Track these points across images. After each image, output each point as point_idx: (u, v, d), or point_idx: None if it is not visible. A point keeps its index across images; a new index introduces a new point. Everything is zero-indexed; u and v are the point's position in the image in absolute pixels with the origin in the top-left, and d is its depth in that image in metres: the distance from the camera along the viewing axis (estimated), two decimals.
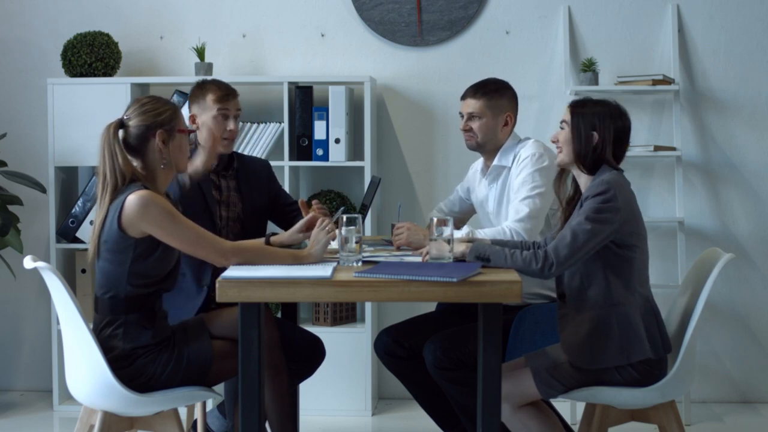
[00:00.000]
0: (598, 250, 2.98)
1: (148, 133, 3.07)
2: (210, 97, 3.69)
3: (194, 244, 3.00)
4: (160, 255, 3.03)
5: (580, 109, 3.10)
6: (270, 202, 3.87)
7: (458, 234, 3.37)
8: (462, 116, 3.70)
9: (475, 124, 3.66)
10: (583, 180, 3.10)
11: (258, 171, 3.86)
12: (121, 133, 3.09)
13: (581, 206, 3.00)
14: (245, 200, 3.76)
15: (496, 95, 3.66)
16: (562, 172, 3.23)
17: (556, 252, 2.90)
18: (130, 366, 3.00)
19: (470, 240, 3.19)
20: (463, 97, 3.72)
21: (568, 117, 3.11)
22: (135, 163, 3.09)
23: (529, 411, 3.09)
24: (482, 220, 3.81)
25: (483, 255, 2.97)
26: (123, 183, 3.03)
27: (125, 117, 3.10)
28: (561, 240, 2.93)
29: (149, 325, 3.03)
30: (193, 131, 3.21)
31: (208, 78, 3.87)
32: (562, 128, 3.13)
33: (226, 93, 3.72)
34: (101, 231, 3.02)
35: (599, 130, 3.05)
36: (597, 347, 3.00)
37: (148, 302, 3.05)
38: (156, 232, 2.97)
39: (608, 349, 2.99)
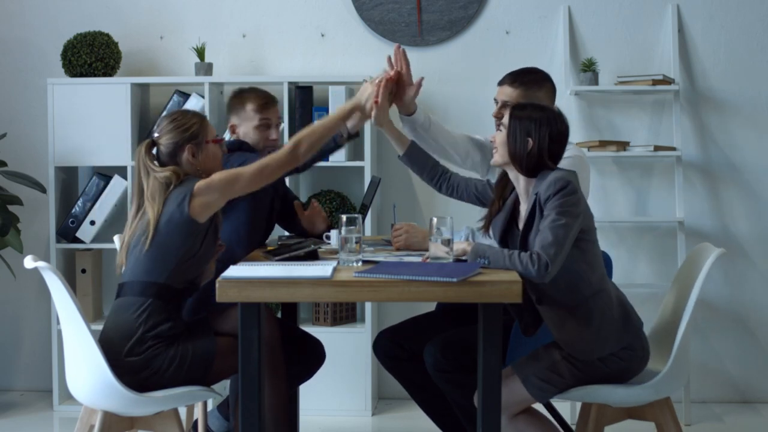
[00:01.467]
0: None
1: (177, 149, 3.21)
2: (250, 107, 3.67)
3: (263, 176, 3.14)
4: (203, 249, 3.16)
5: (519, 112, 3.09)
6: (281, 201, 3.87)
7: (458, 236, 3.36)
8: (496, 102, 3.55)
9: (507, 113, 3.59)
10: (522, 182, 3.09)
11: None
12: (155, 150, 3.24)
13: (540, 208, 2.99)
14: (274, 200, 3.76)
15: (534, 87, 3.53)
16: (505, 175, 3.21)
17: (546, 251, 2.90)
18: (140, 355, 3.03)
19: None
20: (501, 83, 3.57)
21: (506, 120, 3.10)
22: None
23: (525, 419, 3.08)
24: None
25: (483, 256, 2.97)
26: (177, 180, 3.15)
27: (155, 135, 3.24)
28: (544, 240, 2.91)
29: (173, 316, 3.10)
30: (222, 140, 3.29)
31: (243, 87, 3.83)
32: (499, 130, 3.12)
33: (265, 101, 3.69)
34: (156, 224, 3.09)
35: (534, 136, 3.04)
36: (601, 333, 3.00)
37: (178, 296, 3.14)
38: (230, 192, 3.11)
39: (613, 332, 3.01)
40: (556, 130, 3.06)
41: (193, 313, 3.40)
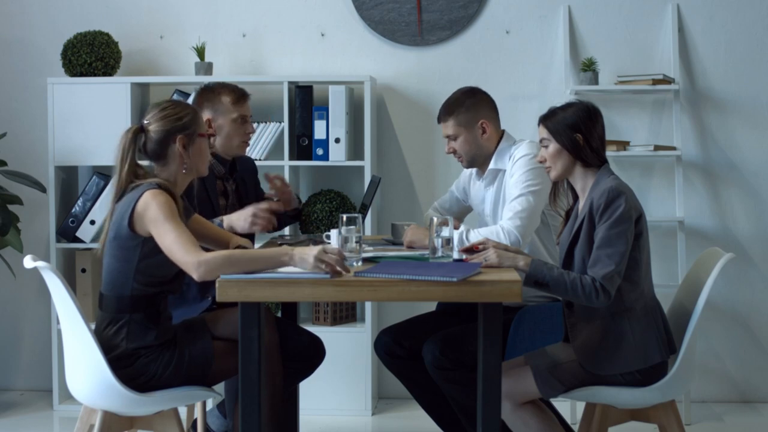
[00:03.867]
0: None
1: (169, 138, 3.05)
2: (227, 100, 3.66)
3: (170, 249, 2.89)
4: (166, 256, 3.02)
5: (552, 118, 3.11)
6: (256, 201, 3.86)
7: (456, 234, 3.36)
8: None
9: (456, 145, 3.61)
10: (580, 185, 3.11)
11: (250, 170, 3.90)
12: (143, 138, 3.07)
13: (590, 218, 3.00)
14: (242, 201, 3.77)
15: (461, 109, 3.60)
16: (555, 185, 3.23)
17: (602, 278, 2.94)
18: (131, 365, 3.00)
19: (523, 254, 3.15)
20: (438, 121, 3.67)
21: (545, 133, 3.11)
22: (156, 167, 3.08)
23: (530, 409, 3.10)
24: (479, 221, 3.80)
25: (542, 281, 2.97)
26: (126, 185, 3.02)
27: (145, 122, 3.07)
28: (597, 263, 2.95)
29: (153, 326, 3.03)
30: (213, 134, 3.18)
31: (212, 81, 3.82)
32: (545, 146, 3.13)
33: (242, 94, 3.69)
34: (109, 228, 3.02)
35: (579, 129, 3.07)
36: (614, 354, 3.02)
37: (154, 302, 3.04)
38: (152, 229, 2.94)
39: (626, 356, 3.02)
40: (591, 114, 3.09)
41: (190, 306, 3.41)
